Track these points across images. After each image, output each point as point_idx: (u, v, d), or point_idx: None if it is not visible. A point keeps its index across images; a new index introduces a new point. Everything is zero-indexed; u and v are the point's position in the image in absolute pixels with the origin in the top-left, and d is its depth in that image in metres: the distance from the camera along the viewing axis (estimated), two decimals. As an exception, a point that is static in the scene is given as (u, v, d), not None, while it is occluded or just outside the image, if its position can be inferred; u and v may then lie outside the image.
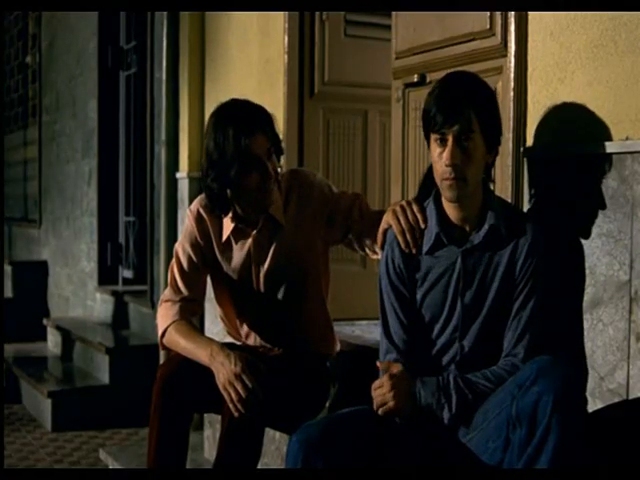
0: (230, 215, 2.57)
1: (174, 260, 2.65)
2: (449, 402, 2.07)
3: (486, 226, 2.14)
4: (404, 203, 2.29)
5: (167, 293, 2.64)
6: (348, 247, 2.69)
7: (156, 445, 2.47)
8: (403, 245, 2.22)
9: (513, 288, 2.15)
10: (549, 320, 2.19)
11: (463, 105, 2.07)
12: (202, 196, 2.62)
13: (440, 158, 2.09)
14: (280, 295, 2.64)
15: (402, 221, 2.23)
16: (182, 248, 2.64)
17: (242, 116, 2.45)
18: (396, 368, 2.13)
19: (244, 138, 2.40)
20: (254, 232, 2.59)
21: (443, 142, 2.09)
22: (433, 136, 2.11)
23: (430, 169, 2.18)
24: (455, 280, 2.17)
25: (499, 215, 2.15)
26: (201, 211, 2.62)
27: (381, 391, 2.09)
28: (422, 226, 2.21)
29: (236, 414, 2.34)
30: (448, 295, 2.18)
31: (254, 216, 2.57)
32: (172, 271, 2.64)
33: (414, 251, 2.21)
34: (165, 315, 2.60)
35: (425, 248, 2.21)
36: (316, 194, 2.60)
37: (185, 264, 2.62)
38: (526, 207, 2.39)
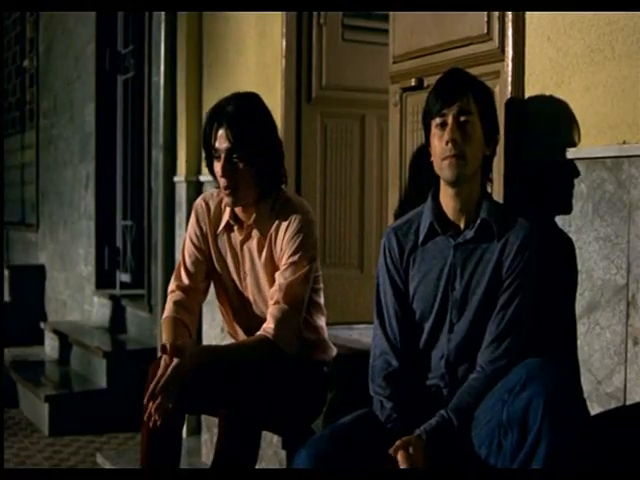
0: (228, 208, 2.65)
1: (180, 252, 2.77)
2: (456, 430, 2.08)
3: (478, 220, 2.18)
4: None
5: (170, 282, 2.73)
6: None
7: (147, 445, 2.47)
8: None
9: (501, 283, 2.17)
10: (539, 322, 2.20)
11: (461, 88, 2.18)
12: (206, 192, 2.73)
13: (440, 141, 2.16)
14: (265, 302, 2.65)
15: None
16: (185, 240, 2.75)
17: (219, 105, 2.56)
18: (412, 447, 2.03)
19: (210, 127, 2.53)
20: (241, 238, 2.65)
21: (443, 126, 2.16)
22: (434, 122, 2.18)
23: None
24: (446, 274, 2.20)
25: (492, 211, 2.19)
26: (203, 205, 2.72)
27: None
28: None
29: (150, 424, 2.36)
30: (439, 289, 2.21)
31: (243, 215, 2.63)
32: (178, 262, 2.75)
33: None
34: (164, 311, 2.69)
35: (420, 238, 2.24)
36: (291, 230, 2.58)
37: (187, 255, 2.71)
38: (522, 208, 2.40)
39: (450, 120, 2.14)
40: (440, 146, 2.16)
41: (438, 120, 2.17)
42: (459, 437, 2.05)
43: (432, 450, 2.01)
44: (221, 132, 2.50)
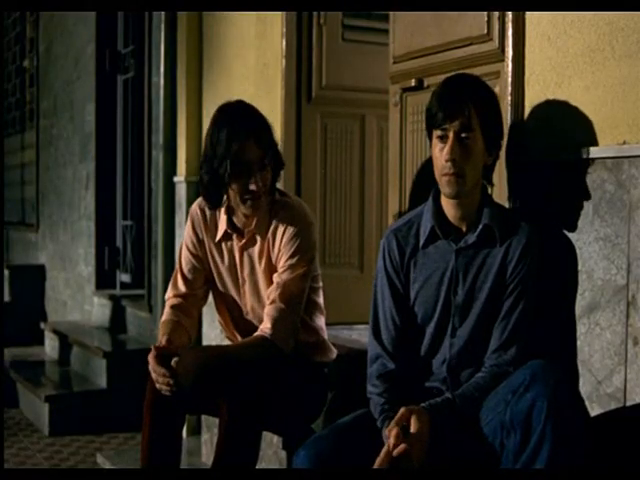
0: (224, 215, 2.62)
1: (177, 259, 2.75)
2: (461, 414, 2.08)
3: (480, 226, 2.17)
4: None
5: (168, 289, 2.73)
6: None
7: (147, 445, 2.48)
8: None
9: (504, 289, 2.16)
10: (540, 324, 2.20)
11: (464, 102, 2.12)
12: (200, 198, 2.68)
13: (441, 154, 2.14)
14: (264, 308, 2.64)
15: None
16: (182, 247, 2.73)
17: (238, 120, 2.50)
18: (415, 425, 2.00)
19: (235, 143, 2.45)
20: (240, 244, 2.63)
21: (444, 139, 2.13)
22: (435, 133, 2.16)
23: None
24: (448, 278, 2.19)
25: (494, 216, 2.18)
26: (199, 212, 2.69)
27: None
28: None
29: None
30: (441, 293, 2.20)
31: (243, 222, 2.61)
32: (175, 269, 2.74)
33: None
34: (162, 316, 2.69)
35: (421, 242, 2.23)
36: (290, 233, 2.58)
37: (183, 262, 2.70)
38: (523, 211, 2.40)
39: (451, 136, 2.11)
40: (440, 161, 2.14)
41: (439, 133, 2.14)
42: (461, 420, 2.05)
43: (434, 426, 2.00)
44: (250, 145, 2.46)
